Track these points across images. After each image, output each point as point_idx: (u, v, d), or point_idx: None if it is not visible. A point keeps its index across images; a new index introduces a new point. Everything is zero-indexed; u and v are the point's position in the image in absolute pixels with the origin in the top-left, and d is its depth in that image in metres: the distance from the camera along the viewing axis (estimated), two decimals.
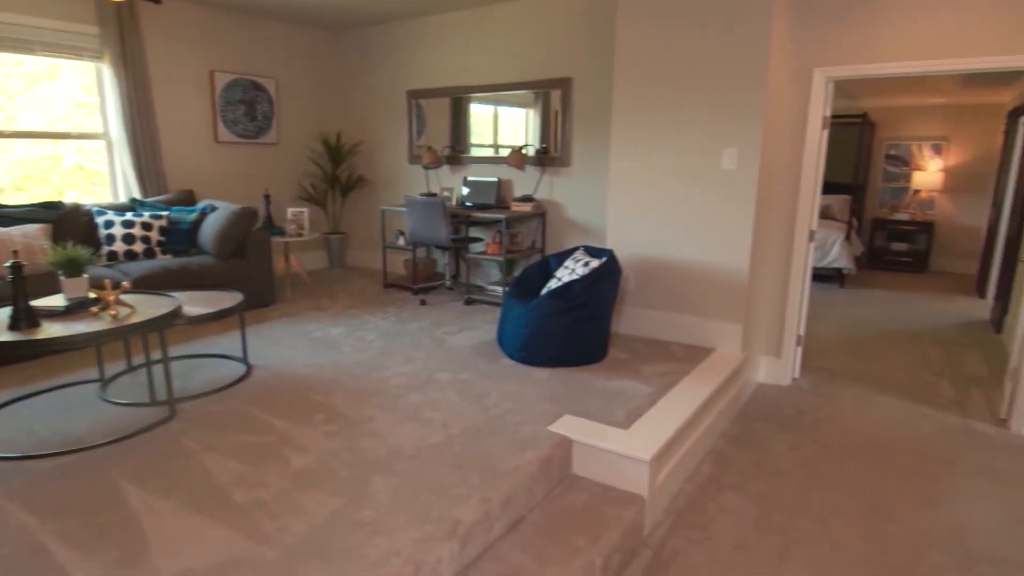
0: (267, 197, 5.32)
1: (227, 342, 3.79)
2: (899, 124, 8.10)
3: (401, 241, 5.57)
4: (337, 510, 2.01)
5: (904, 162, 8.15)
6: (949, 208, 7.97)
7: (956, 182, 7.86)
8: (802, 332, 3.98)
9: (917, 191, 8.09)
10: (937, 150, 7.92)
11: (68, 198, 4.71)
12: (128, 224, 4.30)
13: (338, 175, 6.22)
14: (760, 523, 2.51)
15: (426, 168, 5.67)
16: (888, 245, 8.13)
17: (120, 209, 4.47)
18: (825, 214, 7.84)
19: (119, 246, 4.25)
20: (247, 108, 5.61)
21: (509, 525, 2.17)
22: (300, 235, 5.20)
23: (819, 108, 3.55)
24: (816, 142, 3.60)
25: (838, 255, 6.78)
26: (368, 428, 2.61)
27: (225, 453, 2.40)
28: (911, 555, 2.31)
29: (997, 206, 6.22)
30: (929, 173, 7.91)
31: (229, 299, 3.33)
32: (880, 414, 3.55)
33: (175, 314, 2.80)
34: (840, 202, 7.83)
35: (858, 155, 7.34)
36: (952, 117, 7.77)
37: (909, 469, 2.94)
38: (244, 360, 3.44)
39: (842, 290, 6.81)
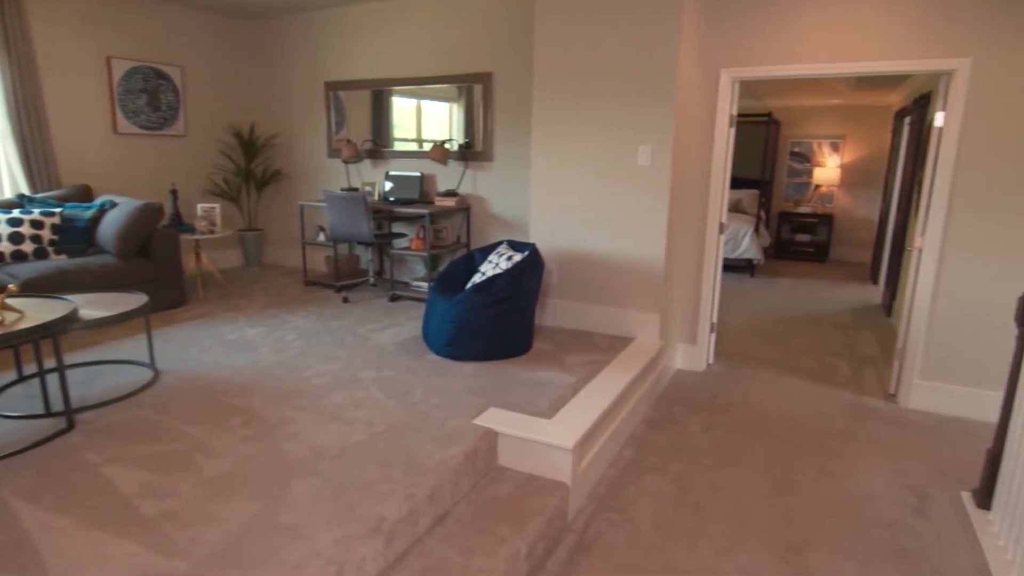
0: (174, 192, 5.03)
1: (132, 347, 3.56)
2: (801, 123, 8.64)
3: (321, 237, 5.41)
4: (255, 516, 1.95)
5: (806, 159, 8.71)
6: (846, 201, 8.59)
7: (852, 177, 8.48)
8: (715, 320, 4.19)
9: (818, 186, 8.67)
10: (835, 147, 8.52)
11: None
12: (15, 222, 3.95)
13: (252, 169, 5.96)
14: (677, 502, 2.63)
15: (346, 162, 5.54)
16: (793, 236, 8.67)
17: (5, 206, 4.10)
18: (736, 208, 8.27)
19: (5, 246, 3.90)
20: (150, 98, 5.27)
21: (435, 519, 2.17)
22: (212, 232, 4.95)
23: (726, 107, 3.74)
24: (724, 139, 3.79)
25: (748, 246, 7.17)
26: (288, 430, 2.53)
27: (131, 464, 2.27)
28: (812, 523, 2.49)
29: (887, 199, 6.77)
30: (828, 169, 8.50)
31: (132, 301, 3.13)
32: (785, 395, 3.80)
33: (70, 318, 2.61)
34: (750, 197, 8.28)
35: (765, 152, 7.78)
36: (847, 117, 8.37)
37: (811, 444, 3.17)
38: (151, 365, 3.25)
39: (752, 279, 7.21)
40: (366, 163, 5.54)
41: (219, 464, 2.26)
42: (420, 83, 5.10)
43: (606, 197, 3.76)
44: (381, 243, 5.33)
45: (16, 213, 3.99)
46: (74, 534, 1.86)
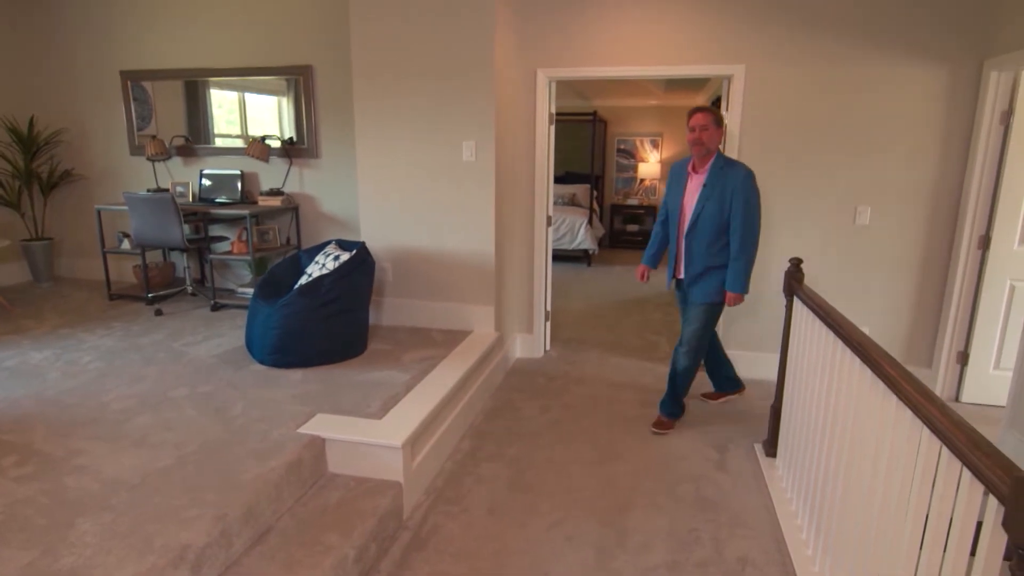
0: None
1: None
2: (625, 122, 9.33)
3: (126, 244, 4.84)
4: (27, 565, 1.69)
5: (631, 155, 9.43)
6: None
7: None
8: (549, 308, 4.39)
9: (643, 180, 9.42)
10: (655, 144, 9.30)
11: None
12: None
13: (35, 170, 5.17)
14: (513, 484, 2.71)
15: (151, 160, 4.99)
16: (624, 227, 9.34)
17: None
18: (572, 202, 8.73)
19: None
20: None
21: (254, 538, 2.03)
22: None
23: (544, 105, 3.92)
24: (545, 136, 3.97)
25: (584, 238, 7.60)
26: (76, 463, 2.23)
27: None
28: (631, 487, 2.70)
29: None
30: (650, 164, 9.27)
31: None
32: (614, 372, 4.08)
33: None
34: (583, 191, 8.78)
35: (593, 149, 8.29)
36: (664, 116, 9.18)
37: (632, 415, 3.43)
38: None
39: (589, 268, 7.66)
40: (177, 161, 5.04)
41: None
42: (235, 74, 4.74)
43: (434, 193, 3.77)
44: (198, 248, 4.89)
45: None
46: None
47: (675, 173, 3.19)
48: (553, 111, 4.01)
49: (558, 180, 8.85)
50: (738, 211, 2.91)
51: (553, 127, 4.04)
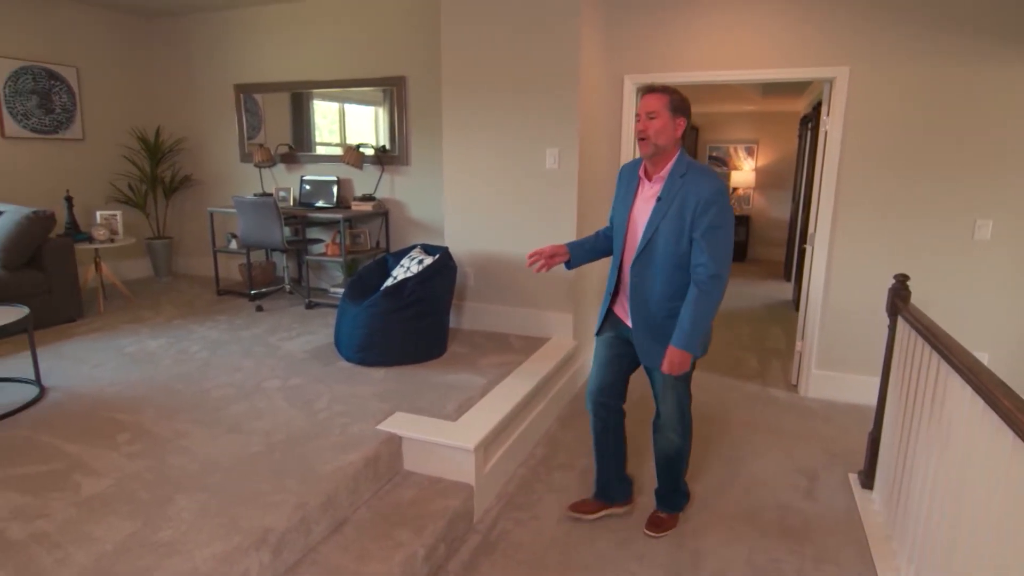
0: (69, 199, 4.73)
1: (17, 364, 3.33)
2: (717, 128, 9.01)
3: (234, 245, 5.22)
4: (131, 534, 1.85)
5: (724, 162, 9.09)
6: (761, 203, 9.01)
7: (766, 180, 8.91)
8: None
9: (735, 188, 9.05)
10: (749, 152, 8.92)
11: None
12: None
13: (159, 175, 5.69)
14: (582, 496, 2.67)
15: (259, 167, 5.37)
16: None
17: None
18: None
19: None
20: (41, 99, 4.95)
21: (331, 527, 2.12)
22: (112, 241, 4.69)
23: (632, 112, 3.85)
24: (631, 143, 3.90)
25: None
26: (179, 445, 2.42)
27: (1, 486, 2.11)
28: (709, 509, 2.58)
29: (796, 200, 7.14)
30: (744, 172, 8.89)
31: (10, 314, 2.92)
32: (698, 388, 3.93)
33: None
34: None
35: None
36: (760, 122, 8.79)
37: (715, 434, 3.29)
38: (36, 382, 3.04)
39: None
40: (280, 168, 5.39)
41: (99, 483, 2.14)
42: (335, 86, 5.02)
43: (517, 200, 3.80)
44: (296, 249, 5.19)
45: None
46: None
47: (623, 177, 2.32)
48: None
49: None
50: (704, 239, 2.03)
51: None
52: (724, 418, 3.49)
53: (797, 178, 7.27)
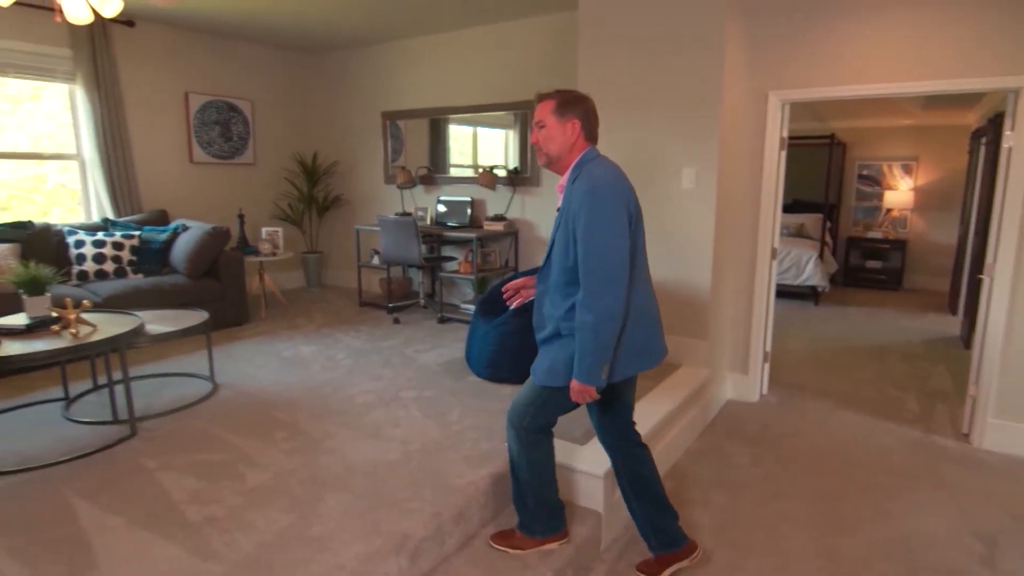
0: (241, 217, 5.34)
1: (196, 362, 3.78)
2: (869, 144, 8.28)
3: (376, 260, 5.60)
4: (287, 527, 2.02)
5: (876, 181, 8.32)
6: (921, 226, 8.12)
7: (927, 200, 8.03)
8: (769, 349, 4.04)
9: (889, 210, 8.25)
10: (907, 170, 8.10)
11: (54, 218, 4.73)
12: (99, 244, 4.30)
13: (315, 195, 6.27)
14: (716, 536, 2.53)
15: (401, 188, 5.73)
16: (863, 263, 8.26)
17: (91, 229, 4.48)
18: (799, 233, 7.98)
19: (90, 266, 4.25)
20: (222, 129, 5.66)
21: (462, 540, 2.17)
22: (274, 254, 5.21)
23: (776, 130, 3.65)
24: (774, 163, 3.69)
25: (812, 273, 6.88)
26: (328, 445, 2.61)
27: (181, 471, 2.40)
28: (860, 566, 2.34)
29: (965, 223, 6.37)
30: (900, 192, 8.08)
31: (194, 318, 3.34)
32: (844, 428, 3.60)
33: (136, 332, 2.81)
34: (813, 221, 7.97)
35: (829, 175, 7.49)
36: (920, 137, 7.96)
37: (867, 482, 2.98)
38: (211, 379, 3.44)
39: (817, 308, 6.90)
40: (419, 189, 5.72)
41: (260, 475, 2.36)
42: (471, 111, 5.25)
43: (649, 220, 3.72)
44: (431, 266, 5.46)
45: (101, 235, 4.35)
46: (124, 534, 1.98)
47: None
48: (785, 135, 3.72)
49: (784, 209, 8.15)
50: (580, 246, 1.82)
51: (784, 153, 3.74)
52: (875, 464, 3.16)
53: (967, 199, 6.48)
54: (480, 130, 5.38)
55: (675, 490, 2.89)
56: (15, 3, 4.20)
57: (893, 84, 3.32)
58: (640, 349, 1.98)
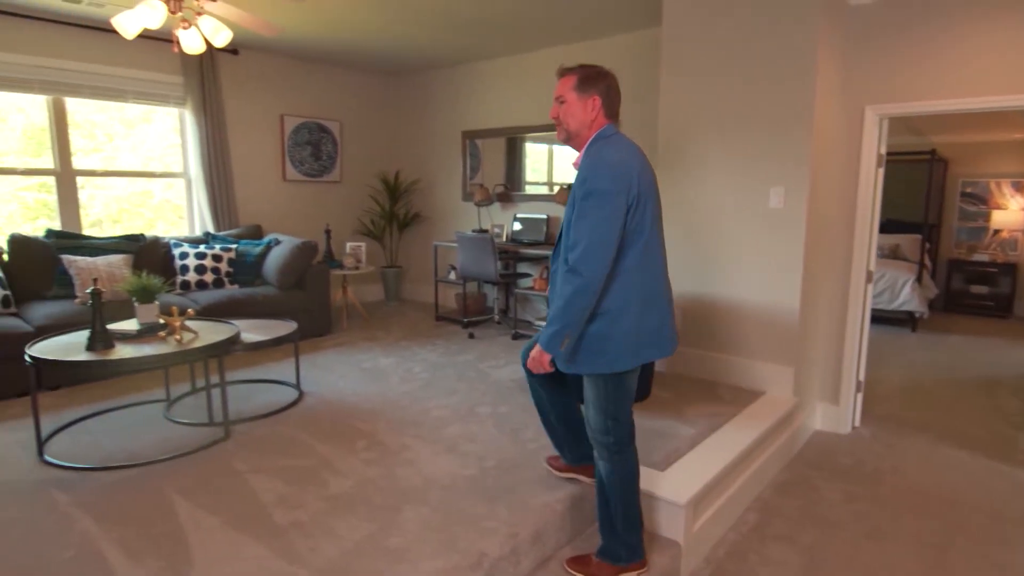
0: (328, 232, 5.59)
1: (284, 369, 3.97)
2: (974, 160, 7.69)
3: (453, 275, 5.71)
4: (368, 536, 2.06)
5: (982, 200, 7.71)
6: None
7: None
8: (862, 378, 3.80)
9: (998, 231, 7.61)
10: (1018, 187, 7.46)
11: (158, 231, 5.13)
12: (201, 256, 4.61)
13: (396, 211, 6.48)
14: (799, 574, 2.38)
15: (478, 205, 5.83)
16: (967, 288, 7.64)
17: (195, 242, 4.81)
18: (894, 254, 7.49)
19: (192, 276, 4.56)
20: (313, 149, 5.96)
21: (538, 562, 2.15)
22: (357, 268, 5.41)
23: (873, 146, 3.45)
24: (871, 180, 3.49)
25: (909, 297, 6.43)
26: (406, 457, 2.66)
27: (270, 474, 2.51)
28: None
29: None
30: (1010, 212, 7.45)
31: (284, 328, 3.50)
32: (948, 468, 3.32)
33: (233, 340, 2.98)
34: (910, 242, 7.47)
35: (929, 193, 7.00)
36: None
37: (977, 529, 2.73)
38: (297, 387, 3.59)
39: (914, 335, 6.43)
40: (496, 206, 5.79)
41: (342, 482, 2.43)
42: (547, 130, 5.28)
43: (735, 240, 3.60)
44: (507, 282, 5.50)
45: (202, 248, 4.67)
46: (219, 534, 2.09)
47: None
48: (883, 152, 3.52)
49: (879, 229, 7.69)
50: (573, 221, 1.85)
51: (882, 170, 3.53)
52: (986, 509, 2.88)
53: None
54: (556, 148, 5.40)
55: (758, 523, 2.75)
56: (137, 36, 4.61)
57: (1007, 97, 3.08)
58: (656, 337, 1.97)
